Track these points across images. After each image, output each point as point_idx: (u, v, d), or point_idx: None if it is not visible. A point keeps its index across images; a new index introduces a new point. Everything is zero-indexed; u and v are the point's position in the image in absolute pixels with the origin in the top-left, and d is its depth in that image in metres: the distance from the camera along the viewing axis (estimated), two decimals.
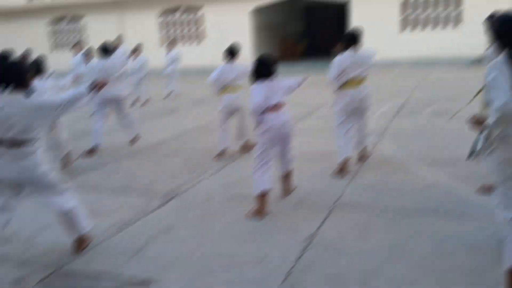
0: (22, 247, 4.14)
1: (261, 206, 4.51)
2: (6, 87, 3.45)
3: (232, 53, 6.72)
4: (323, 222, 4.27)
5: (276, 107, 4.63)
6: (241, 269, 3.51)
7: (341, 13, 20.27)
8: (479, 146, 2.96)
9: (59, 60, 23.03)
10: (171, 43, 15.00)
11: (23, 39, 24.24)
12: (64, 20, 24.62)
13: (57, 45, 25.06)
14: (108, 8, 23.11)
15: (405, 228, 4.04)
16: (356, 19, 19.60)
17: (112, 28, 22.85)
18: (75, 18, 24.25)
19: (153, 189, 5.49)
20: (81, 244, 3.97)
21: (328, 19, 26.73)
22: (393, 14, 19.18)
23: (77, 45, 13.41)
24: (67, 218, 3.88)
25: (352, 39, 5.70)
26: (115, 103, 7.63)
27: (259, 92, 4.55)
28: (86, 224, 4.01)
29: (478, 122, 2.92)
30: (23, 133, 3.50)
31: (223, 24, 21.37)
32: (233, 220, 4.45)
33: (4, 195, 3.68)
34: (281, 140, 4.75)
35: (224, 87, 6.70)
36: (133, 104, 12.86)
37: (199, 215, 4.63)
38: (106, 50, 7.55)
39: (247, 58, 20.86)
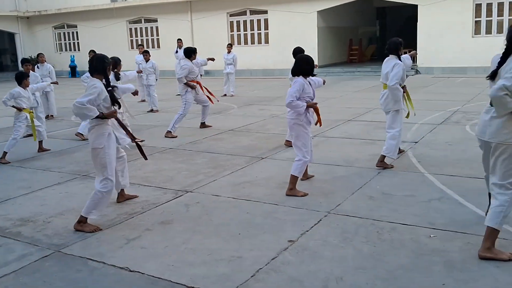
0: (37, 229, 4.59)
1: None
2: (92, 72, 4.48)
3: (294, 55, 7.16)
4: (312, 227, 4.33)
5: None
6: (215, 265, 3.68)
7: (415, 15, 19.64)
8: None
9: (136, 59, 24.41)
10: (230, 45, 15.38)
11: (106, 38, 25.89)
12: (141, 22, 25.94)
13: (134, 45, 26.45)
14: (179, 11, 24.08)
15: (391, 239, 4.01)
16: (424, 23, 19.01)
17: (182, 29, 23.82)
18: (150, 20, 25.49)
19: (170, 185, 5.81)
20: (79, 223, 4.41)
21: (400, 22, 26.05)
22: (465, 18, 18.31)
23: (140, 46, 14.19)
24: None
25: (387, 48, 6.16)
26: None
27: None
28: (93, 213, 4.42)
29: None
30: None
31: (287, 26, 21.54)
32: (229, 219, 4.63)
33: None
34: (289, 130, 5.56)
35: None
36: None
37: (199, 211, 4.86)
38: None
39: (314, 59, 20.99)
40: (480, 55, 17.95)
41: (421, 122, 8.97)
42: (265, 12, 22.28)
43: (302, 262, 3.68)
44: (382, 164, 6.11)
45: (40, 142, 8.06)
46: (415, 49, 19.59)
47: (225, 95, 14.93)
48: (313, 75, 5.52)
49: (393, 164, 6.18)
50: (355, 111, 10.74)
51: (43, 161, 7.38)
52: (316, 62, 5.64)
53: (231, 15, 23.24)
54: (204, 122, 9.53)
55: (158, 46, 25.25)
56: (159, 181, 5.98)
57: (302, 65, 5.24)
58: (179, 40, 15.95)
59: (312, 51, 21.21)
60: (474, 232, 4.02)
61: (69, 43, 28.79)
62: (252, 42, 23.04)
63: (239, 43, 23.21)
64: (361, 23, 25.46)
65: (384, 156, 6.12)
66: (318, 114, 5.41)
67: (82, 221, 4.44)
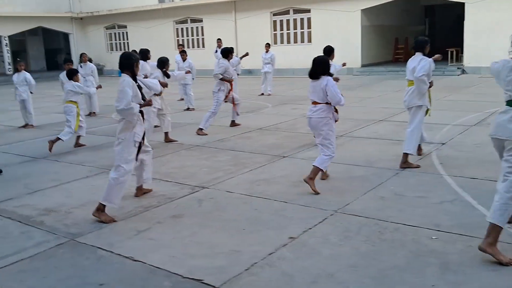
0: (58, 218, 4.89)
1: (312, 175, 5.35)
2: (122, 69, 4.84)
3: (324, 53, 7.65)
4: (316, 225, 4.39)
5: (313, 102, 5.47)
6: (214, 258, 3.82)
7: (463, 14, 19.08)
8: None
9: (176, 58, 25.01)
10: (268, 44, 15.49)
11: (154, 38, 26.64)
12: (187, 22, 26.54)
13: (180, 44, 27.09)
14: (224, 10, 24.44)
15: (392, 239, 4.01)
16: (471, 21, 18.39)
17: (227, 29, 24.18)
18: (196, 20, 26.02)
19: (189, 180, 6.00)
20: (97, 211, 4.72)
21: (450, 20, 25.29)
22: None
23: (180, 46, 14.57)
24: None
25: (413, 46, 6.25)
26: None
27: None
28: (108, 201, 4.70)
29: None
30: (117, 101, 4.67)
31: (330, 25, 21.42)
32: (238, 214, 4.75)
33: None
34: (313, 130, 5.56)
35: None
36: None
37: (211, 207, 5.01)
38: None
39: (357, 58, 20.79)
40: None
41: (454, 123, 8.77)
42: (308, 11, 22.24)
43: (298, 258, 3.75)
44: (406, 164, 6.06)
45: (78, 138, 8.49)
46: (462, 48, 19.04)
47: (262, 94, 15.07)
48: (330, 75, 5.62)
49: (414, 164, 6.11)
50: (390, 111, 10.59)
51: (77, 155, 7.79)
52: (359, 61, 5.88)
53: (274, 14, 23.36)
54: (234, 120, 9.71)
55: (203, 46, 25.72)
56: (180, 176, 6.19)
57: (327, 66, 5.43)
58: (219, 40, 16.24)
59: (355, 50, 21.04)
60: (478, 236, 3.93)
61: (119, 43, 29.84)
62: (295, 41, 23.05)
63: (281, 42, 23.30)
64: (408, 21, 24.89)
65: (407, 155, 6.07)
66: (337, 111, 5.55)
67: (100, 208, 4.70)
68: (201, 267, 3.67)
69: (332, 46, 8.14)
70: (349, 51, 20.99)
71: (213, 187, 5.70)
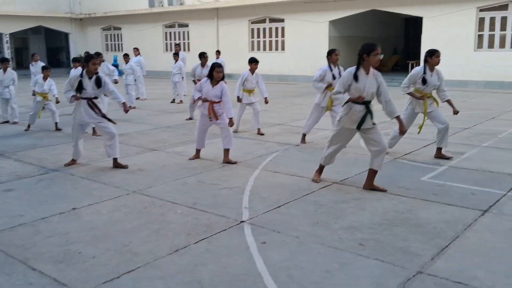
0: None
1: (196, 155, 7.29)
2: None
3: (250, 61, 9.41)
4: (104, 200, 5.38)
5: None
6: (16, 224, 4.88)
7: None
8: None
9: (169, 60, 26.26)
10: (218, 52, 16.50)
11: (145, 40, 27.96)
12: (175, 26, 27.78)
13: (169, 47, 28.33)
14: (207, 17, 25.60)
15: (146, 212, 4.91)
16: (428, 35, 19.11)
17: (210, 34, 25.34)
18: (183, 25, 27.25)
19: (52, 165, 7.03)
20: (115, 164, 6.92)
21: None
22: (468, 31, 18.26)
23: (134, 49, 15.69)
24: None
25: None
26: None
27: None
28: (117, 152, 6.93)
29: None
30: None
31: (301, 35, 22.35)
32: (56, 191, 5.78)
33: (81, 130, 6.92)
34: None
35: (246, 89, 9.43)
36: (172, 101, 14.86)
37: (44, 185, 6.04)
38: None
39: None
40: (482, 69, 17.87)
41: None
42: (282, 20, 23.22)
43: (60, 222, 4.76)
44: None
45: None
46: (419, 60, 19.76)
47: None
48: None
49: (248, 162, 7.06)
50: (299, 116, 11.45)
51: None
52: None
53: (252, 22, 24.41)
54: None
55: (189, 50, 26.88)
56: (48, 162, 7.26)
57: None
58: (177, 46, 17.35)
59: (323, 59, 21.78)
60: (213, 212, 4.90)
61: (114, 44, 31.29)
62: (270, 49, 24.04)
63: (258, 49, 24.30)
64: (384, 33, 25.58)
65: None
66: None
67: (116, 161, 6.99)
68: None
69: (256, 58, 9.59)
70: (318, 60, 21.86)
71: (64, 170, 6.75)
